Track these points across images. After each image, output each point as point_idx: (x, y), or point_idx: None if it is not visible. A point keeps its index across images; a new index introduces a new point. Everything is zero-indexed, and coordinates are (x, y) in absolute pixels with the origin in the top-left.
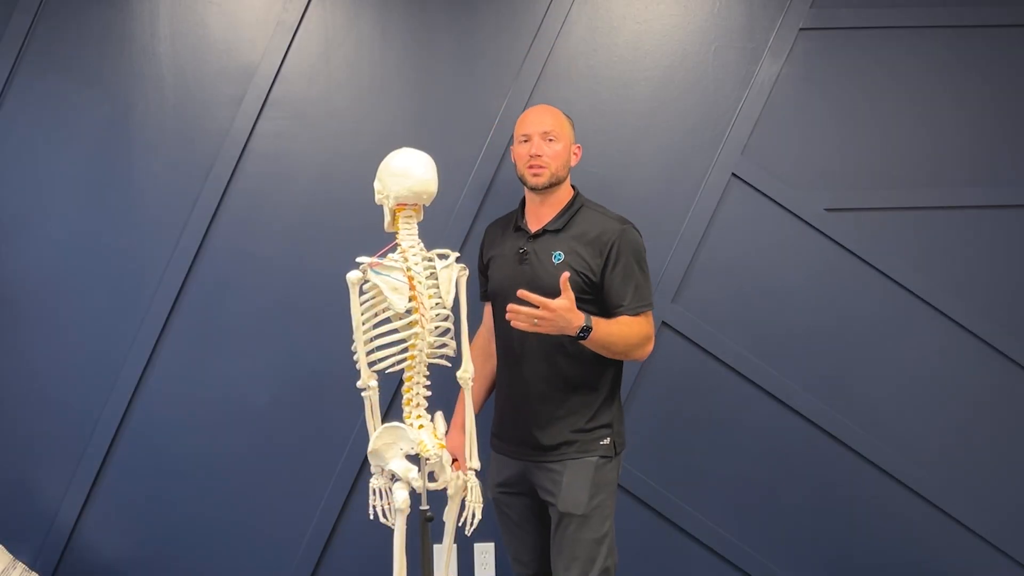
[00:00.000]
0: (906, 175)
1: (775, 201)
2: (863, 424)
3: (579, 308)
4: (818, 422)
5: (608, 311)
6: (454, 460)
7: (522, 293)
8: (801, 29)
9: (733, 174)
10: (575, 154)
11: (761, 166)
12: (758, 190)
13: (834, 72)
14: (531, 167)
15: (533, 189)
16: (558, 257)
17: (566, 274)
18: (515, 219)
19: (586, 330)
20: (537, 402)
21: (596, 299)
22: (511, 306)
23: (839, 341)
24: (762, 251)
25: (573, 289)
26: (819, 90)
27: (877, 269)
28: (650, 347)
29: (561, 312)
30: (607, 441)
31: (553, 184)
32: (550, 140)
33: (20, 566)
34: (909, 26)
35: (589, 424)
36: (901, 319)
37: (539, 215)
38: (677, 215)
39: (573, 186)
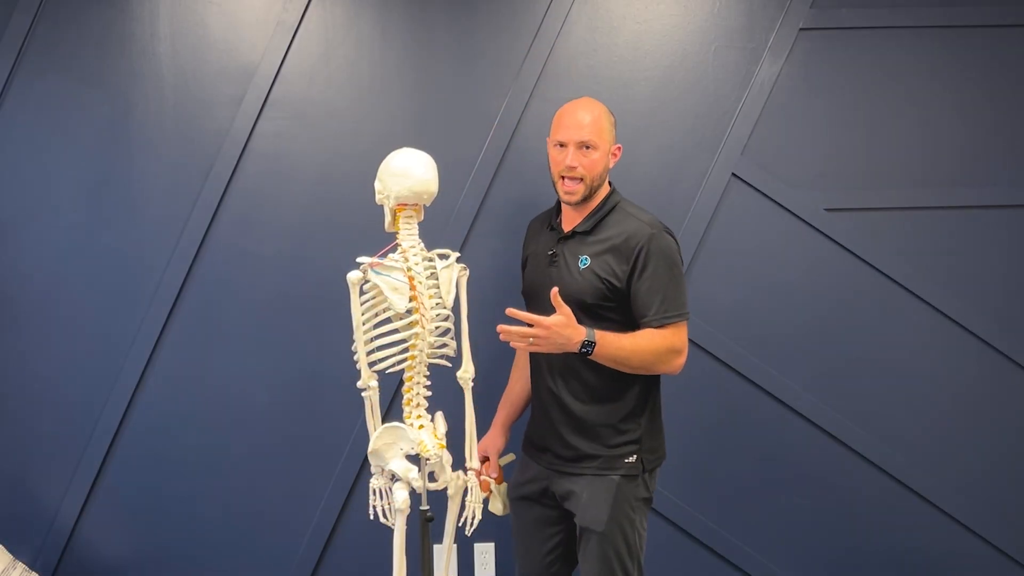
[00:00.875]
0: (906, 175)
1: (775, 201)
2: (863, 424)
3: (601, 316)
4: (818, 422)
5: (635, 321)
6: (485, 459)
7: (511, 312)
8: (801, 29)
9: (733, 174)
10: (614, 155)
11: (761, 166)
12: (758, 190)
13: (834, 72)
14: (564, 179)
15: (567, 204)
16: (584, 262)
17: (555, 289)
18: (551, 216)
19: (588, 345)
20: (559, 412)
21: (620, 307)
22: (501, 327)
23: (839, 341)
24: (762, 251)
25: (595, 298)
26: (819, 90)
27: (877, 269)
28: (680, 360)
29: (556, 329)
30: (633, 459)
31: (588, 196)
32: (587, 149)
33: (20, 566)
34: (909, 26)
35: (614, 440)
36: (901, 319)
37: (572, 215)
38: (677, 215)
39: (610, 182)
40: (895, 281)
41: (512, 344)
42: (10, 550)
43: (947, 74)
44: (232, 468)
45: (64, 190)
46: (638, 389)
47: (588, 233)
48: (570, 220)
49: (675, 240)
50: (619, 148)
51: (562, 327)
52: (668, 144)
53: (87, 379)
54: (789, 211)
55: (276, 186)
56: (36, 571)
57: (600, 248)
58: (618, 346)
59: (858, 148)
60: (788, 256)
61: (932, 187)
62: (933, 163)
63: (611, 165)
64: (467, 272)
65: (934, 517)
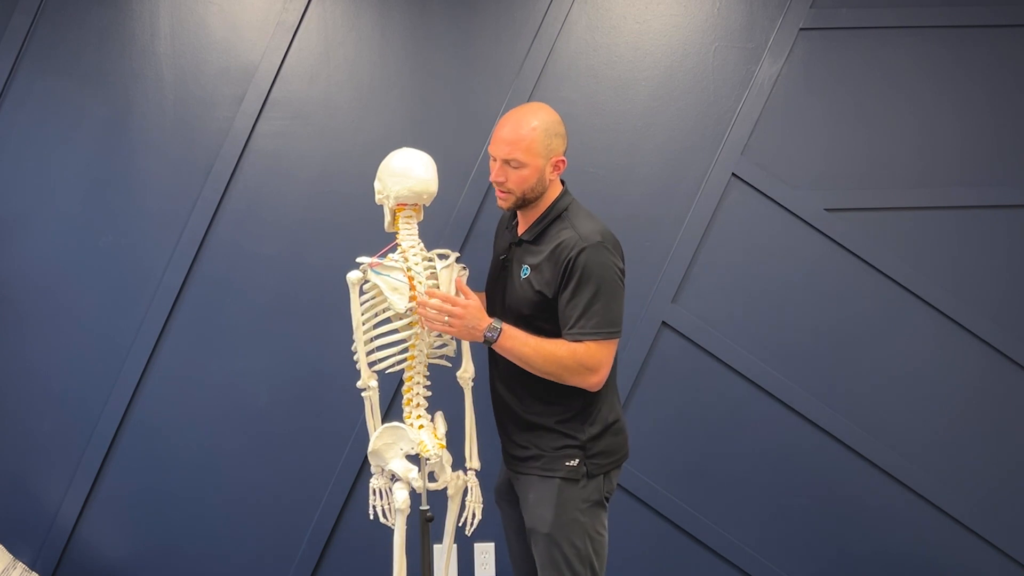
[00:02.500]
0: (905, 175)
1: (775, 201)
2: (863, 423)
3: (539, 328)
4: (818, 422)
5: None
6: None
7: (429, 291)
8: (801, 29)
9: (733, 174)
10: (556, 167)
11: (761, 166)
12: (758, 190)
13: (834, 72)
14: (496, 189)
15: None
16: (525, 272)
17: (459, 278)
18: (512, 216)
19: (494, 330)
20: (508, 413)
21: (554, 317)
22: (419, 299)
23: (839, 341)
24: (762, 251)
25: (531, 309)
26: (819, 90)
27: (877, 269)
28: (593, 379)
29: (472, 310)
30: (574, 462)
31: (522, 205)
32: (514, 167)
33: (20, 566)
34: (909, 26)
35: (556, 442)
36: (901, 319)
37: (525, 217)
38: (677, 215)
39: (563, 180)
40: (895, 281)
41: (426, 323)
42: (10, 550)
43: (947, 74)
44: (232, 468)
45: (64, 190)
46: (587, 396)
47: (532, 242)
48: (522, 225)
49: (614, 254)
50: (563, 161)
51: (477, 309)
52: (668, 144)
53: (87, 379)
54: (789, 211)
55: (276, 185)
56: (36, 571)
57: (539, 259)
58: (523, 342)
59: (858, 148)
60: (788, 256)
61: (932, 187)
62: (933, 163)
63: (553, 176)
64: (467, 272)
65: (934, 517)
